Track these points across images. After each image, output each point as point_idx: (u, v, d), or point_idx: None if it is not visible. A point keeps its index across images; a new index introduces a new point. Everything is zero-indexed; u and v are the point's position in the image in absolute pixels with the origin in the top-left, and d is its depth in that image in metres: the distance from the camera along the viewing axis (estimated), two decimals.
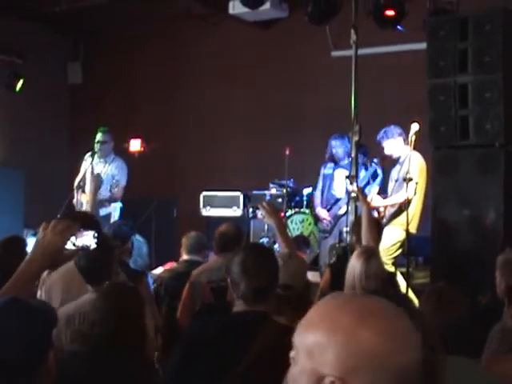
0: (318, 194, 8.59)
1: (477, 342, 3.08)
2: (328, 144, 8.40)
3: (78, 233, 2.59)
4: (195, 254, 5.79)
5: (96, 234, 2.59)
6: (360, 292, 4.22)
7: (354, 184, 6.96)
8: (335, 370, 1.26)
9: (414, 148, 6.68)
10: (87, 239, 2.60)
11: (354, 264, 4.33)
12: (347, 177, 7.04)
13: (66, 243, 2.56)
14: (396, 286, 5.46)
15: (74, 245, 2.59)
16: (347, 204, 7.87)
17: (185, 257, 5.85)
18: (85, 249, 2.62)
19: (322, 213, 8.36)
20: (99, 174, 8.36)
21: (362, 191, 6.07)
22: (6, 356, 2.00)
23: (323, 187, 8.50)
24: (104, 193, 8.41)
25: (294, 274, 3.56)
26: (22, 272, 2.58)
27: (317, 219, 8.59)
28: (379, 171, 8.10)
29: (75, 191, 8.70)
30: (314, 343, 1.30)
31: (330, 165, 8.46)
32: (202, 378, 2.67)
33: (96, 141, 8.66)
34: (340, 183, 8.31)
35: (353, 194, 6.84)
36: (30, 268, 2.58)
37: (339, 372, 1.25)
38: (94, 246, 2.60)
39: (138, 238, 6.38)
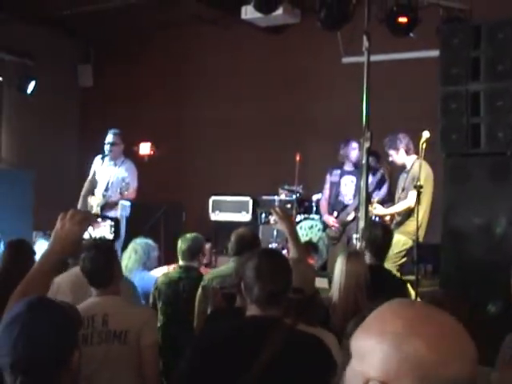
0: (324, 201, 8.58)
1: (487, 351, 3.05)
2: (346, 146, 8.34)
3: (95, 223, 2.60)
4: (190, 260, 5.74)
5: (113, 224, 2.59)
6: (338, 291, 4.31)
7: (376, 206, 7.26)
8: (379, 374, 1.26)
9: (424, 156, 6.71)
10: (104, 230, 2.61)
11: (337, 264, 4.45)
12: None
13: (84, 233, 2.56)
14: (407, 294, 5.44)
15: (90, 235, 2.59)
16: (356, 210, 7.89)
17: (180, 262, 5.78)
18: (102, 239, 2.62)
19: (330, 220, 8.35)
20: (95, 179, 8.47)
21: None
22: (37, 354, 2.03)
23: (330, 194, 8.49)
24: (114, 195, 8.41)
25: (305, 278, 3.56)
26: (41, 263, 2.58)
27: (326, 225, 8.58)
28: (386, 177, 8.14)
29: (85, 193, 8.72)
30: (364, 346, 1.30)
31: (337, 171, 8.45)
32: (215, 382, 2.67)
33: (106, 142, 8.66)
34: (347, 190, 8.30)
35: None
36: (49, 259, 2.57)
37: (383, 377, 1.25)
38: (110, 236, 2.60)
39: (148, 242, 6.37)
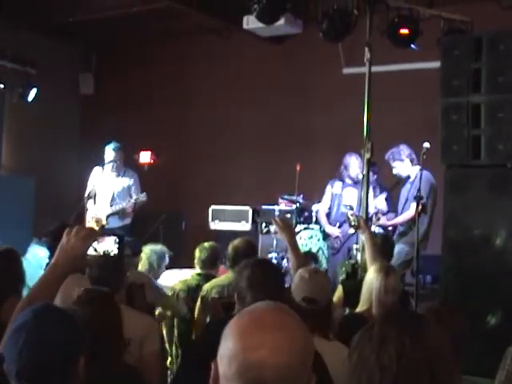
0: (322, 212, 8.58)
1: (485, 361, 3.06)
2: (346, 160, 8.39)
3: (99, 238, 2.65)
4: (208, 268, 5.79)
5: (117, 240, 2.63)
6: (377, 306, 4.27)
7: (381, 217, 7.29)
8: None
9: (424, 167, 6.74)
10: (109, 245, 2.65)
11: (373, 279, 4.39)
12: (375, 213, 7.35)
13: (88, 249, 2.62)
14: (409, 303, 5.46)
15: (95, 250, 2.64)
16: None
17: (198, 270, 5.85)
18: (107, 255, 2.67)
19: (335, 231, 8.36)
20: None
21: (364, 222, 5.99)
22: (43, 361, 2.03)
23: (331, 206, 8.50)
24: (123, 204, 8.42)
25: (321, 289, 3.55)
26: (46, 276, 2.65)
27: (326, 236, 8.59)
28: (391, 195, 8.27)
29: (85, 202, 8.70)
30: None
31: (338, 183, 8.46)
32: None
33: (107, 161, 8.58)
34: (350, 202, 8.31)
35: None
36: (54, 272, 2.63)
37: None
38: (115, 251, 2.64)
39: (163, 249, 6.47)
